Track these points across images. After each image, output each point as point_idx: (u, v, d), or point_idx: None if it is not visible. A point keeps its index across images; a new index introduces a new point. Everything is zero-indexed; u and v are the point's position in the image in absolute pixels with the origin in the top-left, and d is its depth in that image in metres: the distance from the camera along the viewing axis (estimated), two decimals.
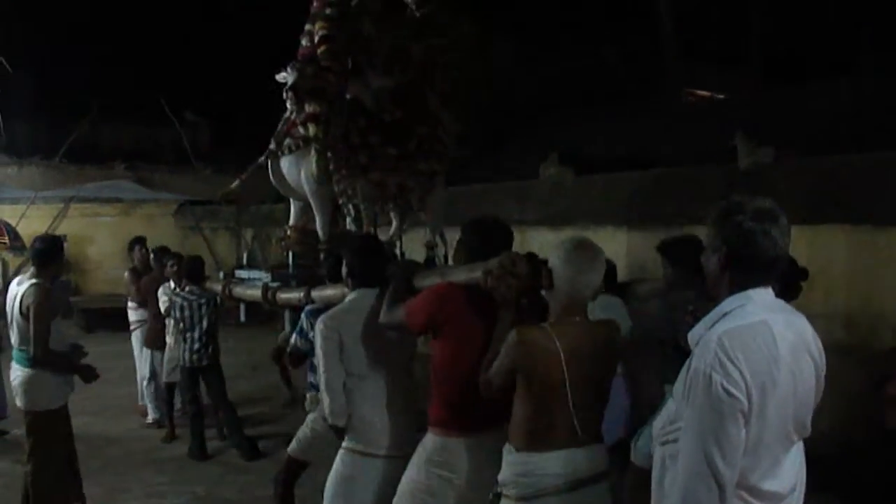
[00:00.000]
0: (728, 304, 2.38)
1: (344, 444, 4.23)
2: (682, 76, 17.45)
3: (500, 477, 3.29)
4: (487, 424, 3.52)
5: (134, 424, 8.57)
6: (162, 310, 7.96)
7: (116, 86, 19.25)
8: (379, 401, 4.14)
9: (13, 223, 15.61)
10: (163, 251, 8.70)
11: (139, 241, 9.48)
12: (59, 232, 18.48)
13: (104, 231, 18.95)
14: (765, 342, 2.27)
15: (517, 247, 7.74)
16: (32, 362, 5.33)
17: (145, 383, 8.69)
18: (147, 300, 8.51)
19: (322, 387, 4.15)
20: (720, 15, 17.38)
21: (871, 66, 12.46)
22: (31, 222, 17.30)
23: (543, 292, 3.39)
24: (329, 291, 5.12)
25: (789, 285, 4.40)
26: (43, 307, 5.27)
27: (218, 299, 7.39)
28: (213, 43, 21.61)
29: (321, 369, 4.15)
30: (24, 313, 5.31)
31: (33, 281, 5.38)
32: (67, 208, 18.46)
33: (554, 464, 3.18)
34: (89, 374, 5.64)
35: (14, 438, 7.91)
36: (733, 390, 2.21)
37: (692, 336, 2.39)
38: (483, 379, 3.34)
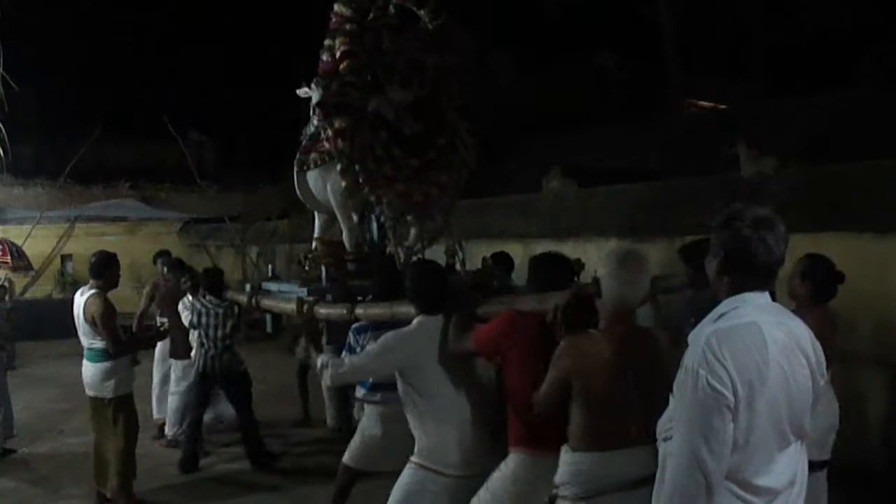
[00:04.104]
0: (724, 305, 2.48)
1: (413, 458, 4.28)
2: (684, 88, 17.49)
3: (557, 478, 3.36)
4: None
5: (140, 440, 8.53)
6: (186, 323, 7.90)
7: (120, 106, 19.38)
8: (450, 421, 4.17)
9: (19, 243, 15.67)
10: (177, 265, 8.83)
11: (161, 254, 9.47)
12: (64, 251, 18.60)
13: (109, 250, 18.96)
14: (753, 341, 2.35)
15: (522, 259, 7.78)
16: (108, 355, 6.22)
17: (157, 392, 8.65)
18: (165, 310, 8.52)
19: (345, 362, 4.32)
20: (722, 26, 17.43)
21: (871, 75, 12.49)
22: (37, 242, 17.37)
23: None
24: (376, 310, 5.16)
25: (827, 287, 4.49)
26: (106, 312, 6.13)
27: (236, 309, 7.48)
28: (216, 63, 21.73)
29: (362, 359, 4.31)
30: (88, 320, 6.15)
31: (92, 291, 6.22)
32: (72, 228, 18.53)
33: (610, 463, 3.24)
34: (158, 336, 7.20)
35: (22, 457, 7.94)
36: (718, 386, 2.30)
37: (691, 337, 2.47)
38: (537, 398, 3.45)
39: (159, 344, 8.56)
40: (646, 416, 3.26)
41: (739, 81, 17.20)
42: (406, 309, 4.60)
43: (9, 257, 14.26)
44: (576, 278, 4.13)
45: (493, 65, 17.39)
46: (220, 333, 7.46)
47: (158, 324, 8.63)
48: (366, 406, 5.29)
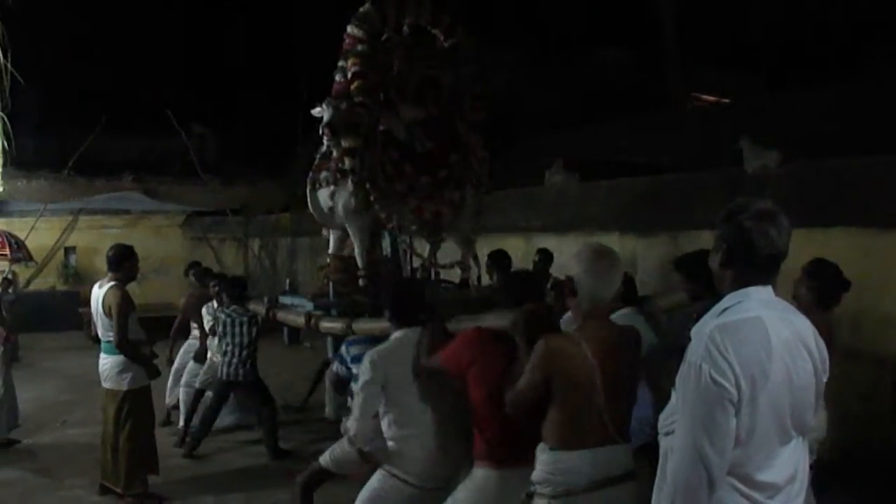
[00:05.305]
0: (727, 300, 2.47)
1: (385, 465, 4.32)
2: (686, 81, 17.44)
3: (534, 476, 3.38)
4: (530, 457, 3.53)
5: None
6: (206, 328, 8.26)
7: (123, 98, 19.34)
8: (420, 434, 4.22)
9: (23, 236, 15.69)
10: (205, 272, 9.10)
11: (192, 265, 9.74)
12: (67, 244, 18.63)
13: (112, 243, 18.91)
14: (757, 336, 2.34)
15: (524, 253, 7.79)
16: (115, 348, 6.29)
17: (172, 378, 8.83)
18: (195, 318, 8.75)
19: (354, 412, 4.27)
20: (724, 19, 17.37)
21: (876, 68, 12.44)
22: (41, 234, 17.40)
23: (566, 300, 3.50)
24: (370, 325, 5.33)
25: (832, 293, 4.46)
26: (122, 304, 6.21)
27: (259, 318, 7.62)
28: (219, 55, 21.69)
29: (358, 397, 4.26)
30: (106, 311, 6.24)
31: (111, 284, 6.34)
32: (76, 220, 18.54)
33: (586, 462, 3.27)
34: (153, 372, 6.58)
35: (26, 447, 7.98)
36: (721, 380, 2.29)
37: (694, 331, 2.46)
38: (511, 399, 3.44)
39: (188, 340, 8.92)
40: (620, 415, 3.34)
41: (743, 75, 17.15)
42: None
43: (7, 249, 14.26)
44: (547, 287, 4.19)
45: (495, 59, 17.35)
46: (245, 341, 7.64)
47: (192, 328, 8.84)
48: None
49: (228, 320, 7.66)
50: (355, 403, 4.28)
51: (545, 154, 11.51)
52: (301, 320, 6.29)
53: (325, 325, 5.99)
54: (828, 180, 6.74)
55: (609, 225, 8.85)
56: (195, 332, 8.79)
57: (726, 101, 16.88)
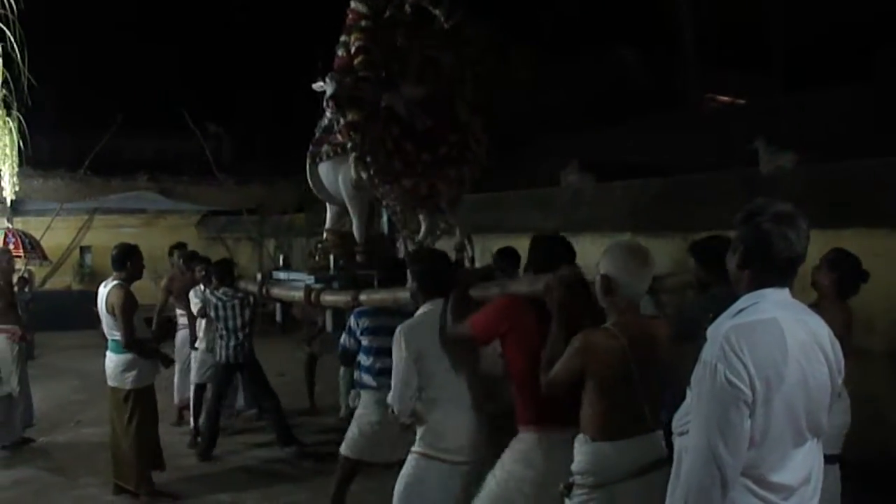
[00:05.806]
0: (743, 301, 2.46)
1: (415, 447, 4.27)
2: (702, 82, 17.40)
3: (575, 466, 3.42)
4: (572, 420, 3.56)
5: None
6: (195, 311, 8.18)
7: (139, 98, 19.43)
8: (452, 408, 4.18)
9: (38, 235, 15.76)
10: (192, 256, 8.88)
11: (178, 247, 9.56)
12: (83, 243, 18.68)
13: (129, 242, 19.03)
14: (772, 337, 2.34)
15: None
16: (123, 348, 6.33)
17: (178, 379, 8.71)
18: (181, 303, 8.66)
19: (394, 389, 4.22)
20: (741, 21, 17.31)
21: (891, 69, 12.37)
22: (56, 234, 17.48)
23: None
24: (380, 295, 5.28)
25: (851, 283, 4.51)
26: (125, 304, 6.25)
27: (251, 299, 7.58)
28: (234, 55, 21.75)
29: (397, 374, 4.21)
30: (109, 310, 6.30)
31: (114, 283, 6.35)
32: (91, 220, 18.62)
33: (626, 452, 3.34)
34: (166, 361, 6.84)
35: (41, 446, 8.02)
36: (736, 381, 2.29)
37: (709, 331, 2.46)
38: (546, 381, 3.51)
39: (178, 332, 8.71)
40: (654, 404, 3.43)
41: (758, 76, 17.10)
42: (407, 294, 4.64)
43: (22, 250, 14.31)
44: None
45: (511, 59, 17.37)
46: (239, 323, 7.55)
47: (177, 316, 8.74)
48: (362, 392, 5.33)
49: (220, 303, 7.55)
50: (394, 380, 4.22)
51: (560, 155, 11.50)
52: (299, 294, 6.22)
53: (329, 298, 5.90)
54: (840, 181, 6.72)
55: (623, 225, 8.82)
56: (182, 321, 8.69)
57: (741, 101, 16.83)
